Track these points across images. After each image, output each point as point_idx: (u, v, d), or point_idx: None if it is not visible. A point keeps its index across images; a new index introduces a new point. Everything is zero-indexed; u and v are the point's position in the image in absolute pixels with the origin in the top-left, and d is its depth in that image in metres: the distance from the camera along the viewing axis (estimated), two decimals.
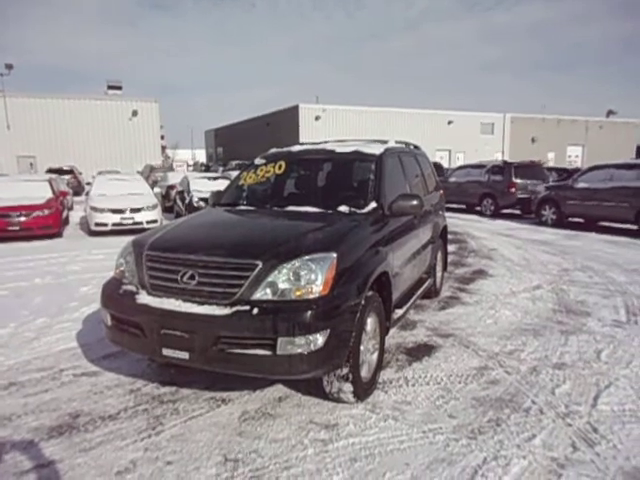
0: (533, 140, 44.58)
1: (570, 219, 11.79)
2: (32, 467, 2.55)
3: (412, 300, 4.37)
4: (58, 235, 10.92)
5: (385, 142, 4.68)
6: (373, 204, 3.74)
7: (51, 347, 4.25)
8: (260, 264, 2.80)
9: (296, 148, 4.72)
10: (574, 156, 46.56)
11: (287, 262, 2.81)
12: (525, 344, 4.22)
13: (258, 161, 4.61)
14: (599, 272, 6.93)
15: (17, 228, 10.23)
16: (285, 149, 4.76)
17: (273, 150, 4.84)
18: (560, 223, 11.69)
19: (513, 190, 13.77)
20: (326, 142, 4.86)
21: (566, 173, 16.83)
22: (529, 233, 10.92)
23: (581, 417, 3.00)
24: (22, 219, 10.25)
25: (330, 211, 3.68)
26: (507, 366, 3.76)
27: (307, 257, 2.85)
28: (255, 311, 2.71)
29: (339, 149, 4.39)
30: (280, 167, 4.37)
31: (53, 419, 3.04)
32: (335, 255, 2.90)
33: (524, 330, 4.57)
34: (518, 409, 3.11)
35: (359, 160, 4.26)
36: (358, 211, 3.65)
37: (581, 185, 11.22)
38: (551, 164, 33.28)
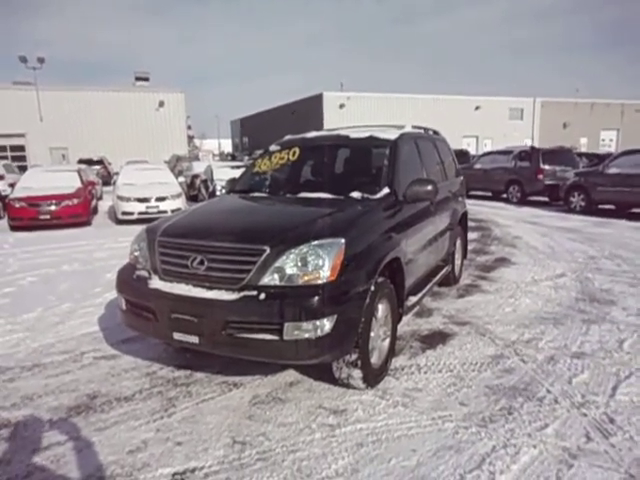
0: (565, 125, 43.09)
1: (600, 206, 11.39)
2: (49, 445, 2.65)
3: (427, 287, 4.32)
4: (87, 224, 11.24)
5: (401, 127, 4.61)
6: (386, 190, 3.69)
7: (74, 331, 4.40)
8: (268, 249, 2.81)
9: (310, 134, 4.69)
10: (608, 140, 44.84)
11: (295, 247, 2.81)
12: (544, 333, 4.12)
13: (272, 148, 4.60)
14: (628, 260, 6.69)
15: (47, 217, 10.59)
16: (299, 135, 4.74)
17: (288, 137, 4.83)
18: (589, 210, 11.31)
19: (540, 176, 13.37)
20: (337, 129, 4.82)
21: (597, 159, 16.27)
22: (556, 220, 10.62)
23: (598, 407, 2.92)
24: (52, 208, 10.61)
25: (342, 197, 3.66)
26: (523, 355, 3.68)
27: (315, 242, 2.84)
28: (262, 296, 2.72)
29: (354, 135, 4.34)
30: (294, 154, 4.35)
31: (72, 399, 3.15)
32: (343, 241, 2.88)
33: (544, 319, 4.46)
34: (532, 398, 3.04)
35: (373, 146, 4.21)
36: (371, 197, 3.61)
37: (612, 171, 10.81)
38: (583, 150, 32.14)
